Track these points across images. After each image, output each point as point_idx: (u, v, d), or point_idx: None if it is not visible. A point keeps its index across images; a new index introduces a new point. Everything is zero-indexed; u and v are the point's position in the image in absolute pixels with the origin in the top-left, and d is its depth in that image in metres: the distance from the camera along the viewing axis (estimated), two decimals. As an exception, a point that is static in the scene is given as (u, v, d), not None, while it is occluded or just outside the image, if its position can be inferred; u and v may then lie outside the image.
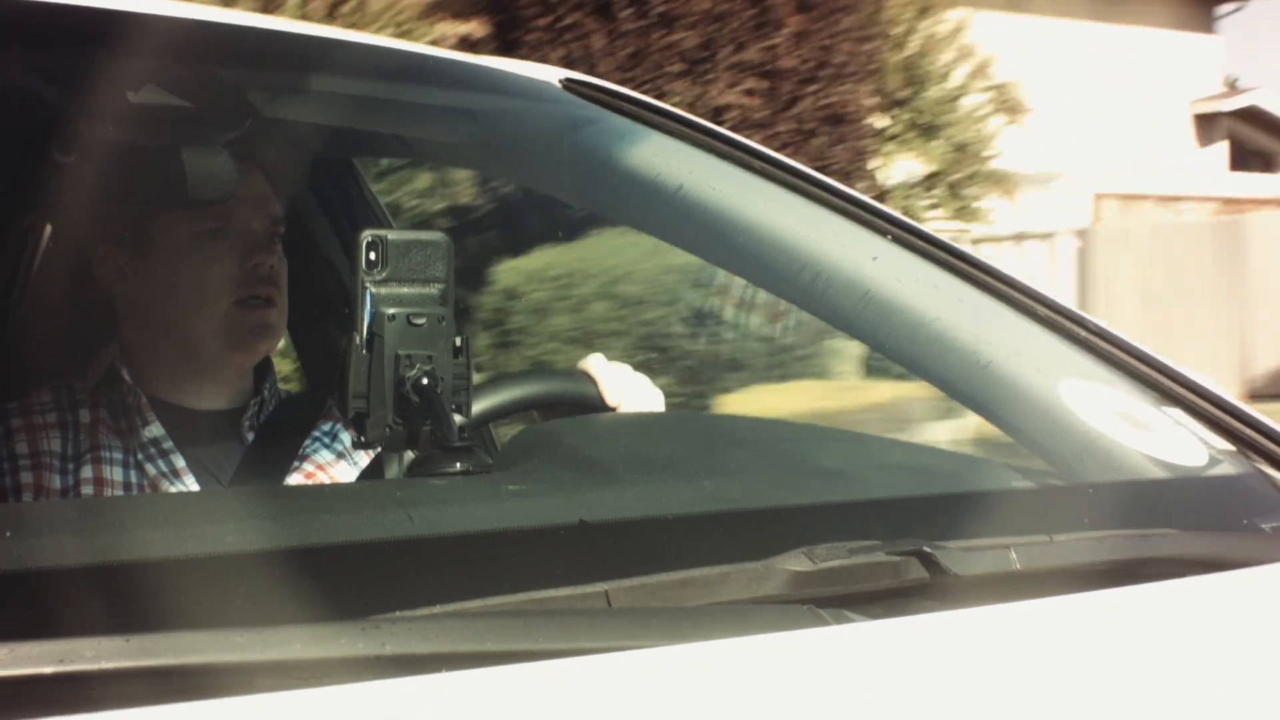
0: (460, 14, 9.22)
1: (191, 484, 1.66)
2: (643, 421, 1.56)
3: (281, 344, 2.26)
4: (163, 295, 1.68)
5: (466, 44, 8.38)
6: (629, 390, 1.62)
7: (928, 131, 12.87)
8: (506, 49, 8.39)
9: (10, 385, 1.73)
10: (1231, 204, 15.50)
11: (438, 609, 0.89)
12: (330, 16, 8.13)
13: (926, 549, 1.05)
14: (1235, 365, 13.17)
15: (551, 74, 1.83)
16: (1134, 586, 1.10)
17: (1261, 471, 1.40)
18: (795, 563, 1.01)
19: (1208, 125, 16.99)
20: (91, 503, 1.46)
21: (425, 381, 1.13)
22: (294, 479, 1.71)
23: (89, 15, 1.40)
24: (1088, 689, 0.92)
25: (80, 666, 0.75)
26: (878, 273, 1.59)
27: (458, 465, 1.11)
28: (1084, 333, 1.51)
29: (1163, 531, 1.24)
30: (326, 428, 1.78)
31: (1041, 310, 1.54)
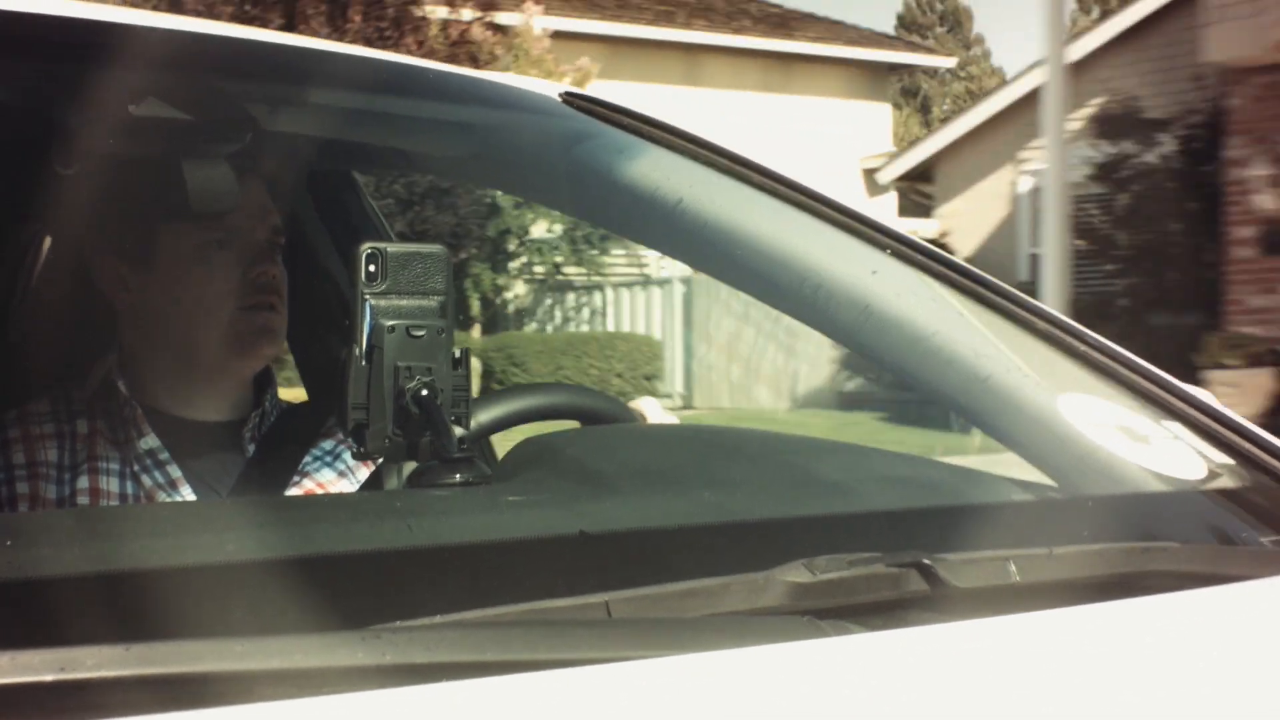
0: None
1: (188, 495, 1.66)
2: (643, 433, 1.56)
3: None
4: (166, 305, 1.69)
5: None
6: None
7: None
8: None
9: (9, 395, 1.74)
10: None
11: (438, 619, 0.89)
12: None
13: (926, 561, 1.05)
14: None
15: (551, 88, 1.83)
16: (1133, 599, 1.10)
17: (1260, 485, 1.40)
18: (795, 574, 1.01)
19: (876, 181, 18.19)
20: (92, 512, 1.46)
21: (425, 393, 1.13)
22: (293, 494, 1.71)
23: (90, 28, 1.41)
24: (1086, 702, 0.92)
25: (80, 675, 0.75)
26: (878, 286, 1.59)
27: (457, 476, 1.11)
28: (1083, 347, 1.51)
29: (1161, 545, 1.24)
30: (328, 446, 1.78)
31: (1041, 324, 1.54)
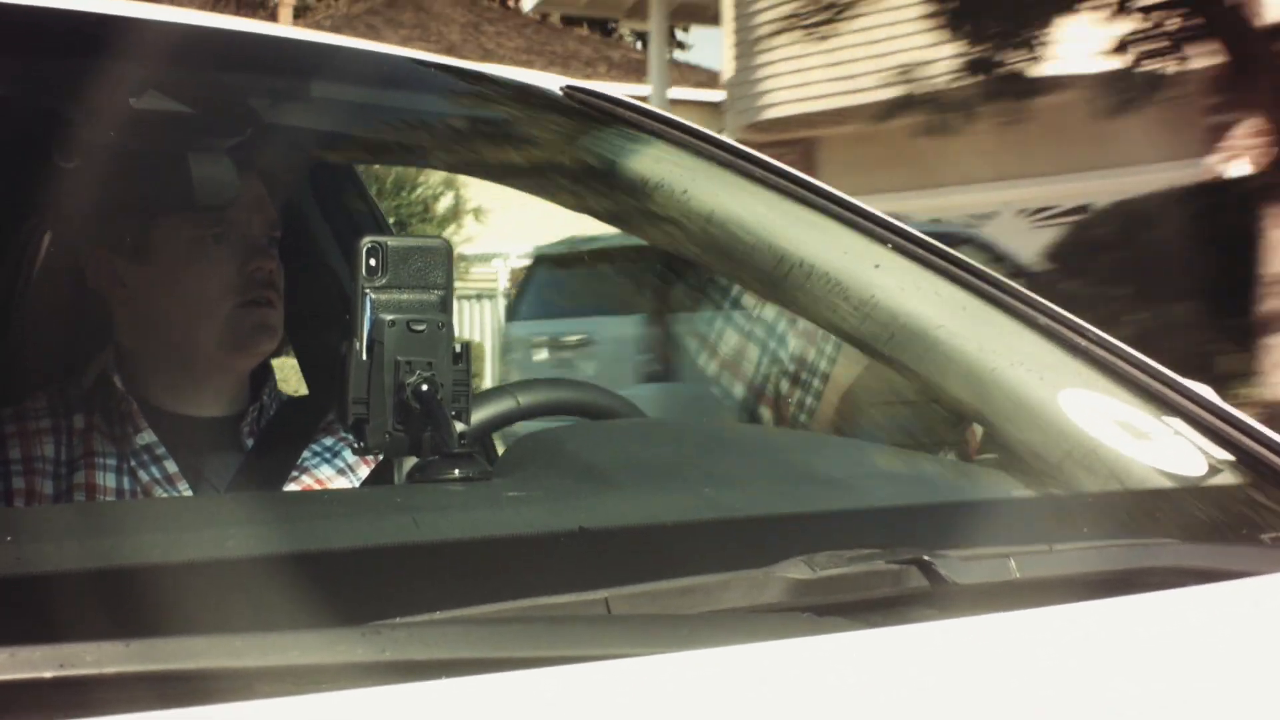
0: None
1: (185, 491, 1.66)
2: (643, 429, 1.56)
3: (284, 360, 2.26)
4: (162, 301, 1.68)
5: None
6: None
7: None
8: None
9: (8, 391, 1.73)
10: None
11: (438, 615, 0.89)
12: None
13: (926, 557, 1.05)
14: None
15: (553, 81, 1.83)
16: (1133, 596, 1.10)
17: (1261, 481, 1.40)
18: (795, 570, 1.01)
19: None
20: (92, 507, 1.46)
21: (425, 388, 1.13)
22: (291, 489, 1.71)
23: (90, 21, 1.41)
24: (1087, 698, 0.92)
25: (80, 671, 0.75)
26: (880, 280, 1.59)
27: (457, 472, 1.11)
28: (1084, 342, 1.51)
29: (1162, 541, 1.25)
30: (328, 442, 1.78)
31: (1042, 320, 1.54)
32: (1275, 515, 1.34)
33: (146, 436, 1.67)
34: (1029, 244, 9.79)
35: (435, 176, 15.31)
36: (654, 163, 1.72)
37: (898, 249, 1.60)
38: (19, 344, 1.89)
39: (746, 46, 13.20)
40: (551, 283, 10.22)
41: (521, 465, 1.19)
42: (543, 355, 9.91)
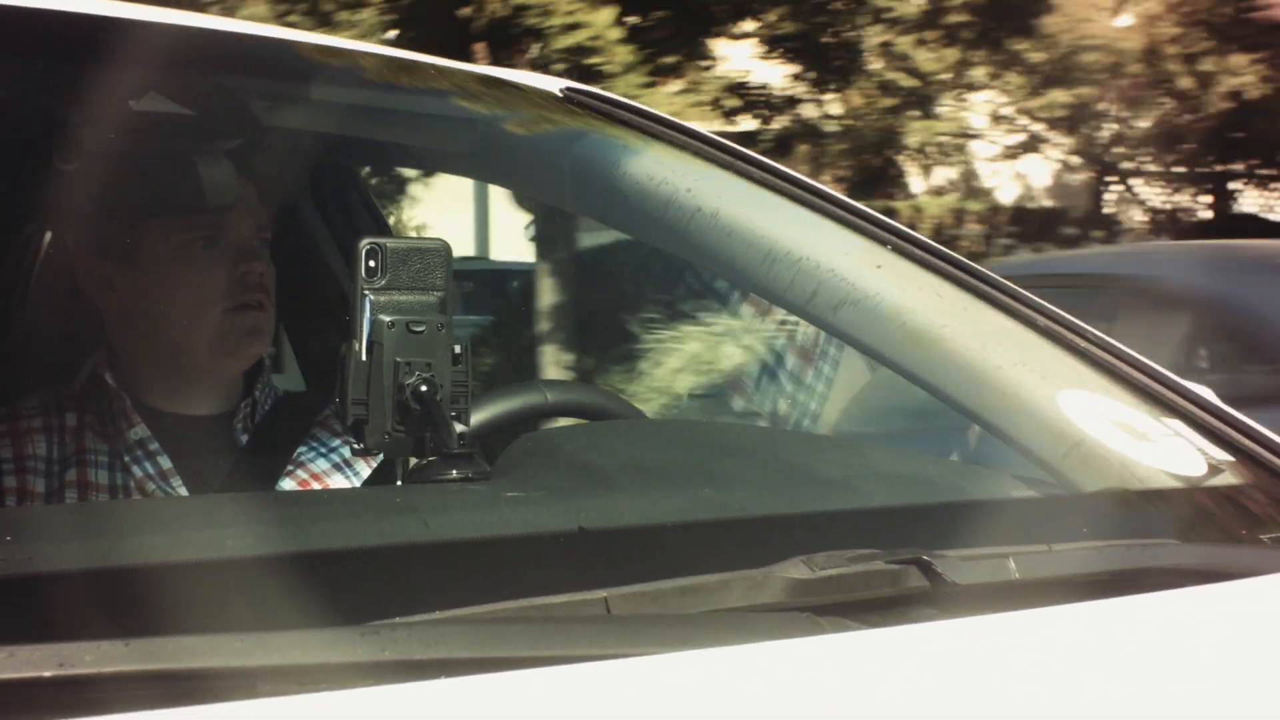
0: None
1: (179, 486, 1.66)
2: (642, 429, 1.56)
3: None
4: (151, 305, 1.68)
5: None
6: None
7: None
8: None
9: (5, 391, 1.73)
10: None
11: (437, 615, 0.89)
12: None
13: (925, 558, 1.05)
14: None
15: (553, 83, 1.83)
16: (1133, 596, 1.10)
17: (1260, 482, 1.40)
18: (794, 570, 1.01)
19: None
20: (92, 506, 1.46)
21: (424, 389, 1.13)
22: (287, 484, 1.71)
23: (90, 23, 1.41)
24: (1086, 698, 0.92)
25: (80, 670, 0.75)
26: (880, 282, 1.59)
27: (456, 472, 1.11)
28: (1084, 343, 1.51)
29: (1161, 542, 1.25)
30: (324, 437, 1.77)
31: (1042, 321, 1.54)
32: (1274, 515, 1.34)
33: (140, 431, 1.67)
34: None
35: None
36: (653, 163, 1.72)
37: (897, 250, 1.60)
38: (17, 345, 1.89)
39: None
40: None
41: (521, 465, 1.19)
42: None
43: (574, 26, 6.82)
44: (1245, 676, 1.00)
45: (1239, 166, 14.46)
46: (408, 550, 0.97)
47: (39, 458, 1.65)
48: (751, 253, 1.68)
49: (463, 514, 1.06)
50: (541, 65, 6.80)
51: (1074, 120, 14.03)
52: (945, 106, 12.41)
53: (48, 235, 1.88)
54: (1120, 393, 1.48)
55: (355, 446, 1.15)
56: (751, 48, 8.87)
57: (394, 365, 1.14)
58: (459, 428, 1.14)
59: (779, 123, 8.63)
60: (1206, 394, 1.50)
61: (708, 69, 7.94)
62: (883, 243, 1.61)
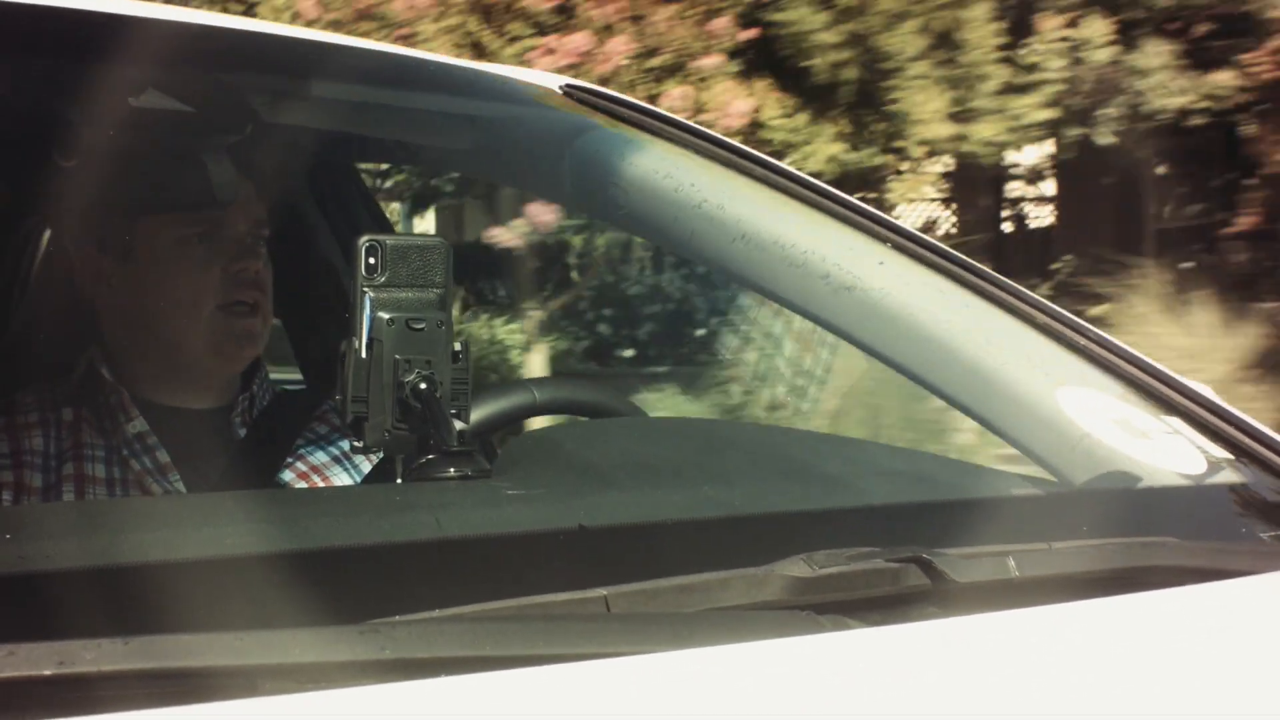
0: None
1: (177, 480, 1.66)
2: (642, 427, 1.56)
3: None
4: (147, 301, 1.68)
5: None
6: None
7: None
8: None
9: (5, 387, 1.73)
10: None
11: (437, 613, 0.89)
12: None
13: (925, 556, 1.05)
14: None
15: (552, 80, 1.83)
16: (1132, 594, 1.10)
17: (1260, 480, 1.40)
18: (795, 569, 1.01)
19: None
20: (92, 505, 1.46)
21: (424, 386, 1.13)
22: (286, 477, 1.71)
23: (90, 19, 1.41)
24: (1086, 696, 0.92)
25: (79, 669, 0.75)
26: (880, 279, 1.59)
27: (456, 470, 1.11)
28: (1084, 341, 1.51)
29: (1161, 540, 1.24)
30: (322, 430, 1.77)
31: (1041, 318, 1.54)
32: (1274, 513, 1.34)
33: (138, 425, 1.67)
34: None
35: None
36: (653, 160, 1.72)
37: (897, 247, 1.60)
38: (15, 340, 1.89)
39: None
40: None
41: (520, 463, 1.19)
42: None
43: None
44: (1245, 674, 1.00)
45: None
46: (407, 548, 0.97)
47: (36, 452, 1.65)
48: (753, 248, 1.68)
49: (462, 512, 1.06)
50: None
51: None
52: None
53: (47, 232, 1.88)
54: (1120, 390, 1.48)
55: (355, 444, 1.15)
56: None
57: (394, 362, 1.14)
58: (458, 425, 1.14)
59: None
60: (1206, 391, 1.50)
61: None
62: (884, 240, 1.61)
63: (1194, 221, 10.01)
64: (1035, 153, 10.52)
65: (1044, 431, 1.47)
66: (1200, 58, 7.91)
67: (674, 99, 6.45)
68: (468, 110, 1.85)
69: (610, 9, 6.63)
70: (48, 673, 0.74)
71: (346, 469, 1.75)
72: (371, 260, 1.15)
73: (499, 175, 2.12)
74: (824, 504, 1.23)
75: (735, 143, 1.73)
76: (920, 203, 11.07)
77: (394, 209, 10.62)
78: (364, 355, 1.14)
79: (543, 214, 5.56)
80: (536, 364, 7.28)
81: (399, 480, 1.19)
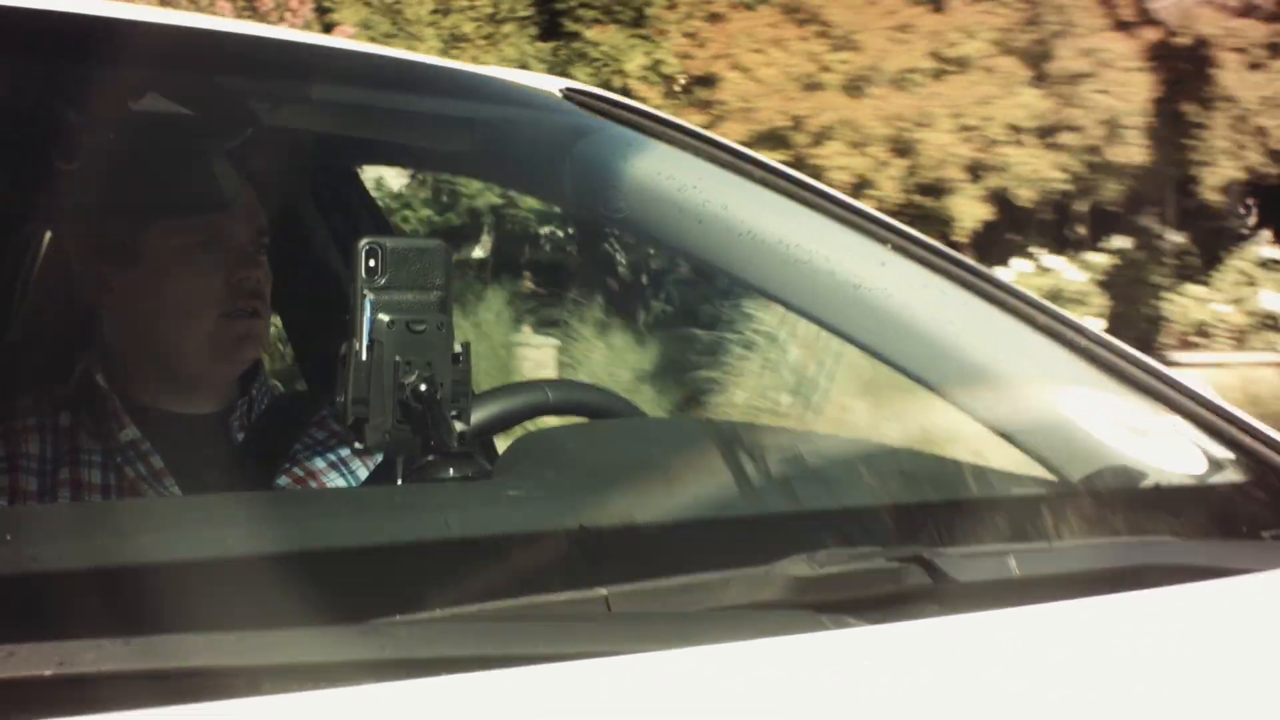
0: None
1: (172, 485, 1.66)
2: (642, 427, 1.56)
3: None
4: (147, 306, 1.68)
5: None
6: None
7: None
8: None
9: (4, 390, 1.73)
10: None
11: (437, 613, 0.89)
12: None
13: (926, 555, 1.05)
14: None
15: (553, 84, 1.83)
16: (1133, 593, 1.10)
17: (1260, 479, 1.40)
18: (796, 568, 1.01)
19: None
20: (92, 506, 1.46)
21: (424, 388, 1.13)
22: (282, 482, 1.71)
23: (91, 24, 1.41)
24: (1087, 695, 0.92)
25: (80, 669, 0.75)
26: (880, 281, 1.59)
27: (456, 471, 1.11)
28: (1084, 341, 1.51)
29: (1162, 539, 1.25)
30: (320, 436, 1.77)
31: (1042, 319, 1.54)
32: (1275, 512, 1.34)
33: (130, 433, 1.67)
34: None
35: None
36: (655, 163, 1.72)
37: (898, 249, 1.60)
38: (13, 344, 1.89)
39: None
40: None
41: (521, 464, 1.19)
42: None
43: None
44: (1246, 673, 1.00)
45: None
46: (408, 549, 0.97)
47: (32, 456, 1.65)
48: (754, 251, 1.68)
49: (463, 512, 1.06)
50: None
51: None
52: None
53: (47, 235, 1.88)
54: (1120, 390, 1.48)
55: (355, 445, 1.15)
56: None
57: (394, 364, 1.14)
58: (459, 427, 1.14)
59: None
60: (1206, 391, 1.50)
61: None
62: (884, 241, 1.61)
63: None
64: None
65: (1044, 431, 1.47)
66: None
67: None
68: (468, 113, 1.85)
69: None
70: (48, 673, 0.74)
71: (343, 474, 1.75)
72: (371, 263, 1.15)
73: (500, 179, 2.13)
74: (825, 503, 1.24)
75: (736, 145, 1.73)
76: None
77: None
78: (364, 357, 1.14)
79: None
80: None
81: (399, 481, 1.19)
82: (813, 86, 12.59)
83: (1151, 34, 12.88)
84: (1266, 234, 13.23)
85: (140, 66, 1.43)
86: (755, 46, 12.55)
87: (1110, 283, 13.07)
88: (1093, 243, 13.85)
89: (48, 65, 1.46)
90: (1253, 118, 12.72)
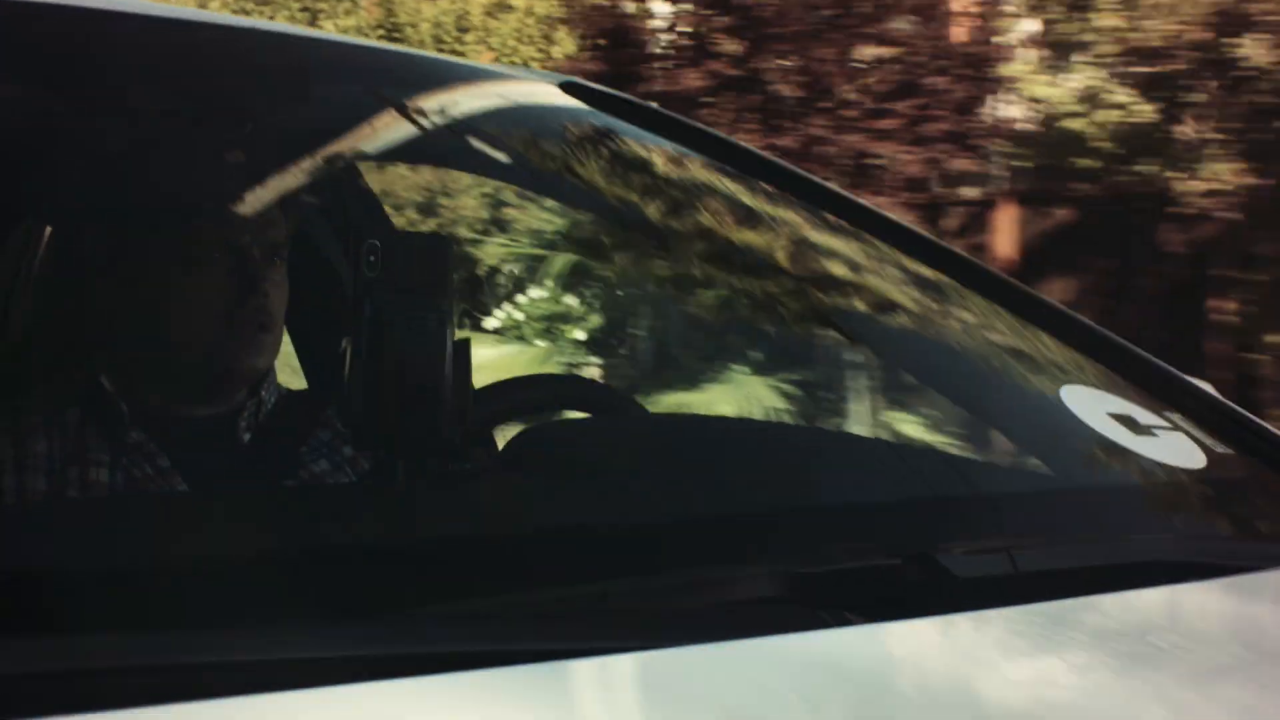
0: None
1: (180, 486, 1.66)
2: (642, 424, 1.56)
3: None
4: (161, 310, 1.67)
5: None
6: None
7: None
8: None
9: (4, 387, 1.73)
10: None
11: (437, 610, 0.89)
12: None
13: (926, 552, 1.05)
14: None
15: (550, 77, 1.83)
16: (1133, 590, 1.10)
17: (1259, 475, 1.40)
18: (795, 565, 1.01)
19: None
20: (95, 503, 1.46)
21: (424, 384, 1.13)
22: (288, 484, 1.70)
23: (88, 17, 1.40)
24: (1086, 692, 0.92)
25: (83, 665, 0.75)
26: (878, 276, 1.59)
27: (456, 467, 1.11)
28: (1085, 337, 1.51)
29: (1161, 535, 1.24)
30: (326, 437, 1.77)
31: (1042, 314, 1.54)
32: (1275, 509, 1.34)
33: (136, 435, 1.67)
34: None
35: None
36: (650, 156, 1.72)
37: (898, 244, 1.60)
38: (19, 340, 1.88)
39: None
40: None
41: (520, 461, 1.19)
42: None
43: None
44: (1246, 670, 1.00)
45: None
46: (408, 545, 0.97)
47: (39, 455, 1.64)
48: (748, 245, 1.68)
49: (463, 508, 1.06)
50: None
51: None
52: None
53: (48, 230, 1.88)
54: (1121, 386, 1.48)
55: (355, 443, 1.15)
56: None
57: (395, 360, 1.14)
58: (459, 424, 1.14)
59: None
60: (1207, 388, 1.50)
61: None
62: (883, 236, 1.61)
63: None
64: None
65: (1045, 427, 1.47)
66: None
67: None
68: (465, 107, 1.85)
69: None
70: (50, 669, 0.74)
71: (346, 473, 1.75)
72: (372, 258, 1.15)
73: (497, 172, 2.12)
74: (824, 500, 1.23)
75: (734, 140, 1.73)
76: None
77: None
78: (364, 353, 1.14)
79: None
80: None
81: (400, 478, 1.19)
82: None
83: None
84: None
85: (145, 61, 1.42)
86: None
87: None
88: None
89: (45, 59, 1.46)
90: None
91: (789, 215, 1.67)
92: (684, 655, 0.88)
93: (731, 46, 8.09)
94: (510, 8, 12.36)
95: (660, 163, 1.73)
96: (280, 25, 1.84)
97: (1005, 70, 8.08)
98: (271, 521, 0.97)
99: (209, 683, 0.76)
